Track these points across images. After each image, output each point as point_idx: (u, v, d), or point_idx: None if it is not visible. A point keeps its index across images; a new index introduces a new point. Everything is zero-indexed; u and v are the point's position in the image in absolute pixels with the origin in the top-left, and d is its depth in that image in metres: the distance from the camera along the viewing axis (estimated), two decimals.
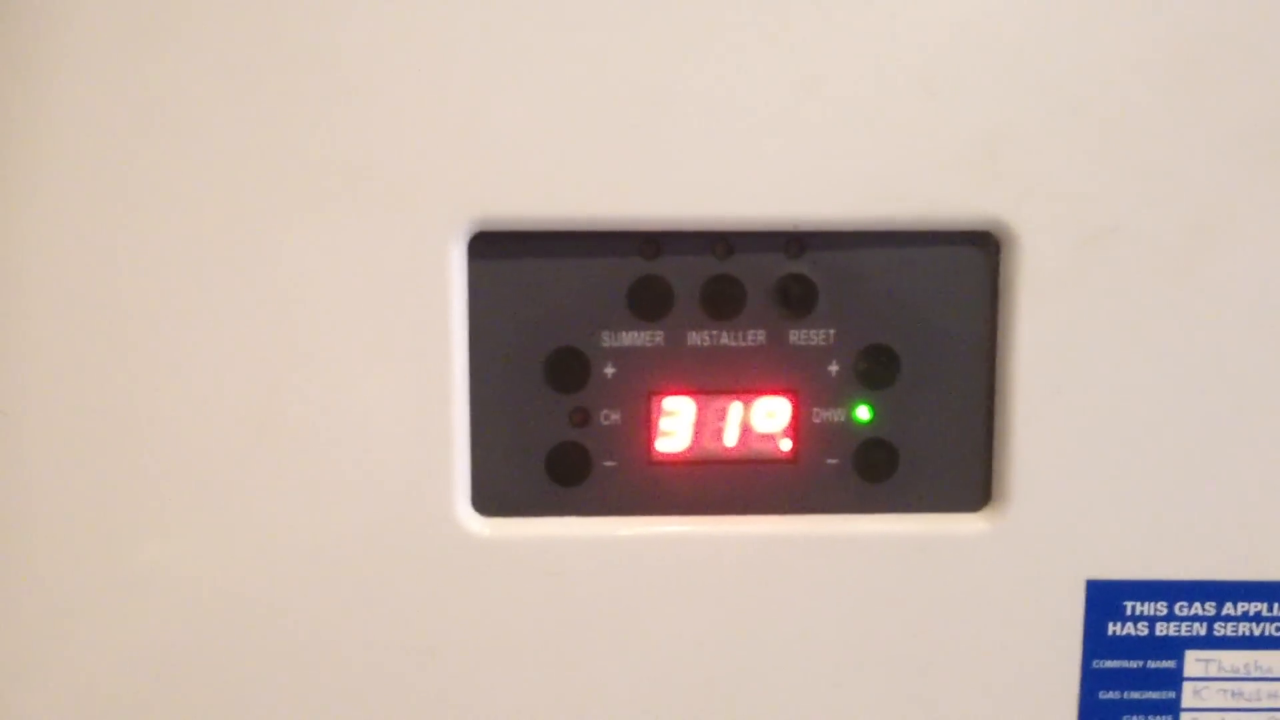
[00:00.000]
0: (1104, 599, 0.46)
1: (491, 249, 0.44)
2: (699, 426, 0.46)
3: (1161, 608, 0.47)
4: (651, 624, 0.46)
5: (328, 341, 0.44)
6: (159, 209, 0.43)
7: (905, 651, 0.47)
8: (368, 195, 0.43)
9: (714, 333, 0.46)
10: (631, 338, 0.45)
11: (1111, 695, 0.48)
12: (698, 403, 0.46)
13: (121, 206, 0.43)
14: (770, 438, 0.47)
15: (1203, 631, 0.47)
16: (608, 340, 0.46)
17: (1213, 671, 0.47)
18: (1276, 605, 0.47)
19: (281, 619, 0.44)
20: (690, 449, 0.46)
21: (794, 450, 0.47)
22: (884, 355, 0.46)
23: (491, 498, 0.46)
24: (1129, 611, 0.47)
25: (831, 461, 0.47)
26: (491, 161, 0.43)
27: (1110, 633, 0.47)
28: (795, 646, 0.47)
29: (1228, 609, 0.47)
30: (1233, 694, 0.47)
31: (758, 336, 0.46)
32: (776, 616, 0.47)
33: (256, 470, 0.44)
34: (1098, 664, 0.47)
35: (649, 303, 0.45)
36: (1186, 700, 0.48)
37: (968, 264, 0.45)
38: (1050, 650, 0.47)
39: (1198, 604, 0.47)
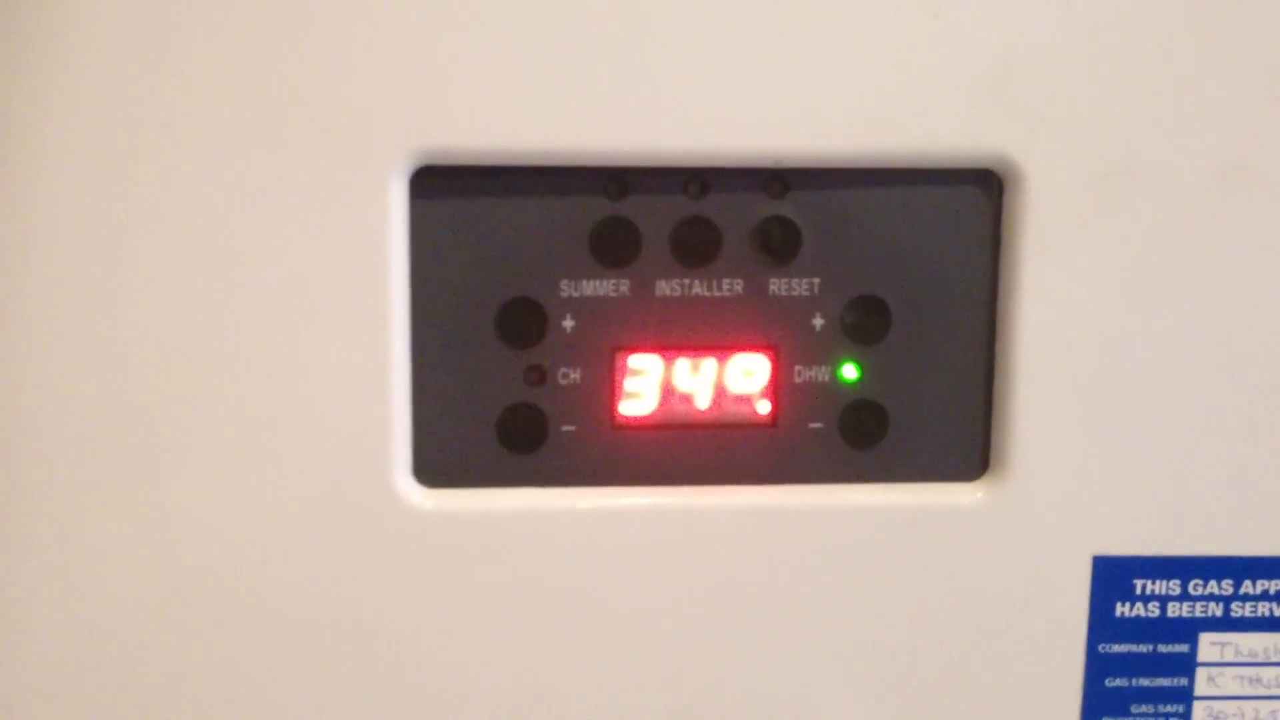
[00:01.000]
0: (1112, 577, 0.44)
1: (437, 186, 0.41)
2: (668, 387, 0.43)
3: (1174, 586, 0.44)
4: (615, 608, 0.43)
5: (251, 290, 0.40)
6: (73, 140, 0.40)
7: (894, 635, 0.44)
8: (296, 124, 0.40)
9: (685, 282, 0.42)
10: (593, 287, 0.42)
11: (1119, 682, 0.45)
12: (666, 360, 0.43)
13: (39, 142, 0.40)
14: (747, 399, 0.43)
15: (1219, 612, 0.45)
16: (567, 290, 0.42)
17: (1229, 656, 0.45)
18: None
19: (206, 598, 0.42)
20: (658, 412, 0.43)
21: (773, 413, 0.44)
22: (874, 307, 0.43)
23: (435, 466, 0.43)
24: (1139, 590, 0.44)
25: (815, 425, 0.44)
26: (437, 87, 0.40)
27: (1118, 614, 0.45)
28: (775, 630, 0.44)
29: (1246, 587, 0.45)
30: (1250, 680, 0.45)
31: (734, 286, 0.43)
32: (754, 598, 0.44)
33: (174, 433, 0.41)
34: (1104, 648, 0.45)
35: (613, 248, 0.42)
36: (1200, 687, 0.45)
37: (968, 206, 0.42)
38: (1053, 633, 0.44)
39: (1213, 582, 0.45)
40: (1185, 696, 0.45)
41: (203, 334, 0.41)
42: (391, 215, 0.40)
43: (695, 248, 0.42)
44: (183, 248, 0.40)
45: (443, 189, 0.41)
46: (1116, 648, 0.45)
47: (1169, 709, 0.45)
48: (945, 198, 0.42)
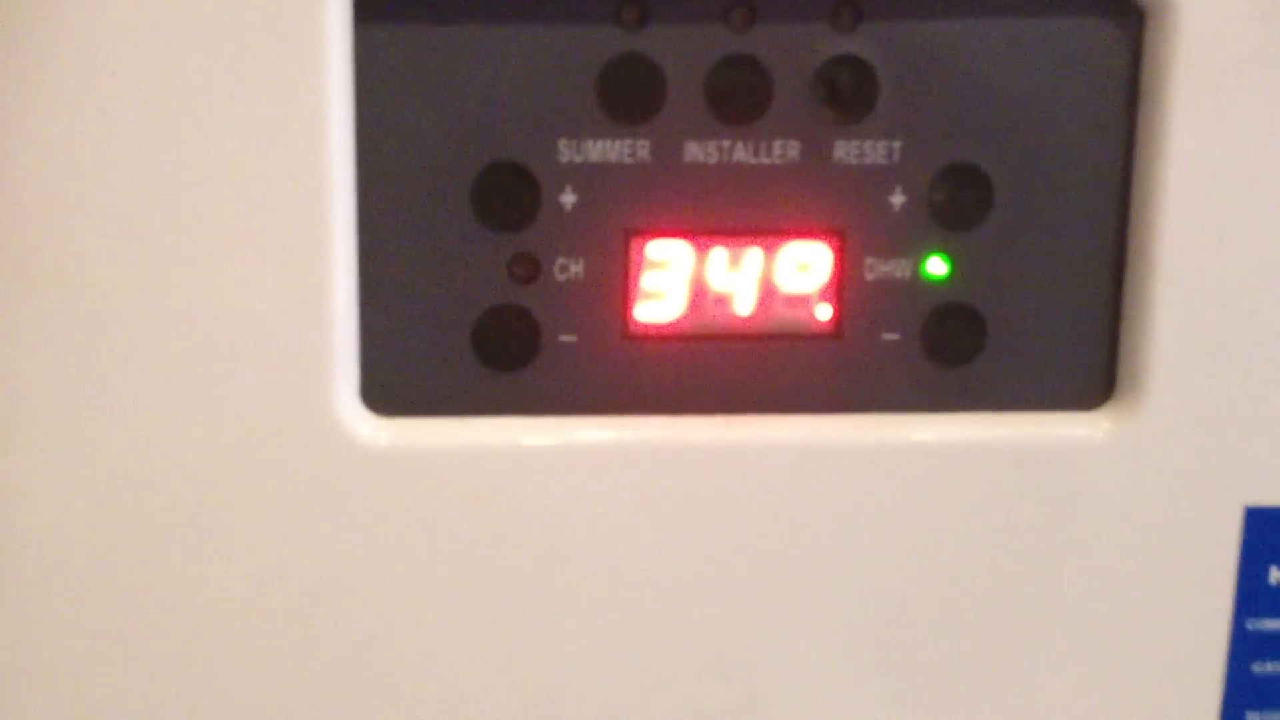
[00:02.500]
0: (1267, 533, 0.39)
1: (389, 7, 0.35)
2: (699, 284, 0.37)
3: None
4: (627, 574, 0.37)
5: (149, 144, 0.34)
6: None
7: (992, 604, 0.39)
8: None
9: (724, 143, 0.36)
10: (602, 149, 0.36)
11: (1269, 668, 0.40)
12: (697, 249, 0.37)
13: None
14: (803, 301, 0.37)
15: None
16: (567, 153, 0.36)
17: None
18: None
19: (134, 542, 0.36)
20: (686, 317, 0.37)
21: (837, 320, 0.38)
22: (970, 181, 0.37)
23: (389, 387, 0.37)
24: None
25: (891, 337, 0.38)
26: None
27: (1273, 581, 0.39)
28: (838, 599, 0.38)
29: None
30: None
31: (788, 150, 0.36)
32: (809, 560, 0.38)
33: (84, 338, 0.35)
34: (1254, 624, 0.40)
35: (629, 96, 0.36)
36: None
37: (1097, 44, 0.36)
38: (1191, 604, 0.39)
39: None
40: None
41: (102, 189, 0.34)
42: (328, 46, 0.34)
43: (738, 97, 0.36)
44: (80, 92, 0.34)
45: (398, 11, 0.35)
46: (1269, 624, 0.40)
47: None
48: (1067, 33, 0.36)
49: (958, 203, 0.37)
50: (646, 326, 0.37)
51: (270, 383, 0.35)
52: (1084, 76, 0.36)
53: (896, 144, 0.36)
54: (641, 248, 0.36)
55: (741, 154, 0.36)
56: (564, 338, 0.37)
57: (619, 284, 0.37)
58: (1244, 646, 0.39)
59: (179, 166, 0.34)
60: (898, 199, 0.37)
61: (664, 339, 0.37)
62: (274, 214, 0.34)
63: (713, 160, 0.36)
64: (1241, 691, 0.40)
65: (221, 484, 0.36)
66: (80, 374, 0.35)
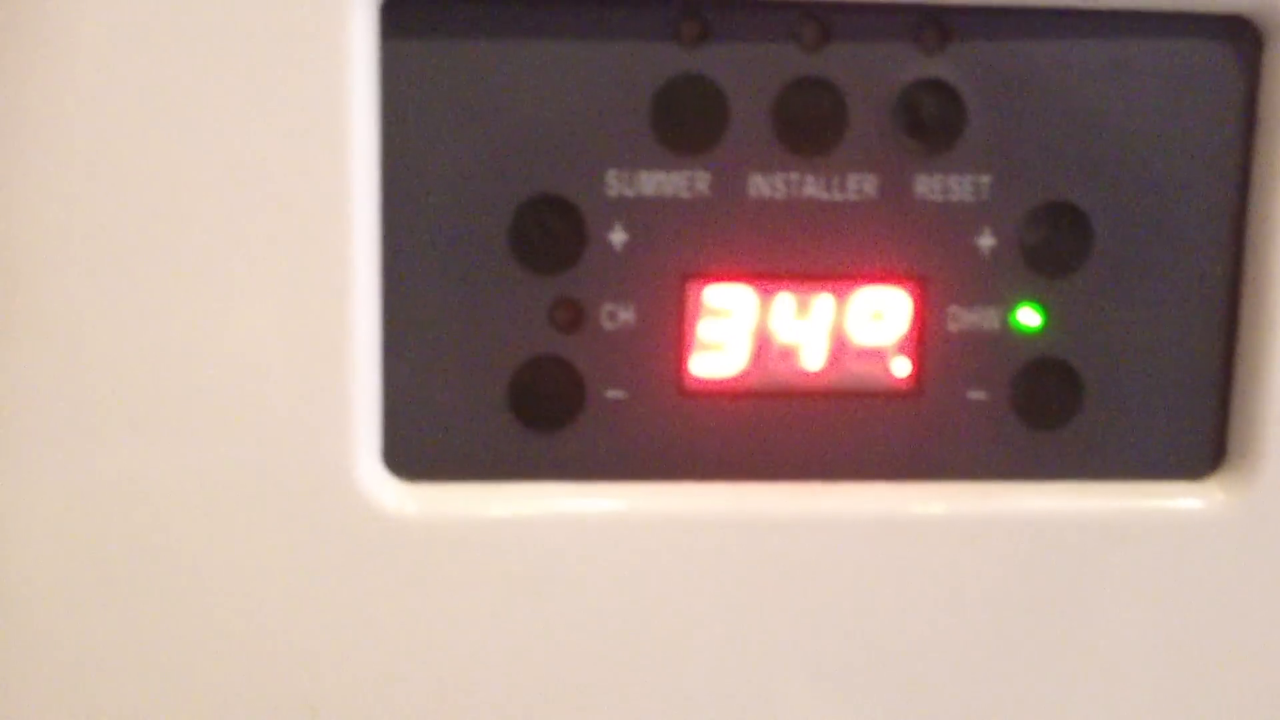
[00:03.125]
0: None
1: (421, 20, 0.32)
2: (763, 335, 0.34)
3: None
4: (685, 658, 0.34)
5: (155, 175, 0.31)
6: None
7: (1090, 692, 0.35)
8: None
9: (793, 176, 0.33)
10: (656, 183, 0.33)
11: None
12: (762, 295, 0.34)
13: None
14: (879, 355, 0.35)
15: None
16: (617, 186, 0.33)
17: None
18: None
19: (140, 619, 0.33)
20: (749, 372, 0.34)
21: (916, 376, 0.35)
22: (1067, 220, 0.34)
23: (416, 450, 0.34)
24: None
25: (976, 395, 0.35)
26: None
27: None
28: (919, 687, 0.35)
29: None
30: None
31: (864, 184, 0.34)
32: (887, 644, 0.35)
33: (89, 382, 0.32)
34: None
35: (687, 122, 0.33)
36: None
37: (1210, 68, 0.34)
38: None
39: None
40: None
41: (103, 233, 0.32)
42: (351, 65, 0.31)
43: (808, 124, 0.33)
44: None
45: (429, 25, 0.32)
46: None
47: None
48: (1177, 57, 0.34)
49: (1053, 245, 0.34)
50: (704, 381, 0.34)
51: (283, 444, 0.32)
52: (1195, 105, 0.34)
53: (985, 179, 0.34)
54: (699, 293, 0.34)
55: (812, 188, 0.33)
56: (611, 393, 0.34)
57: (673, 333, 0.34)
58: None
59: (182, 197, 0.31)
60: (986, 241, 0.34)
61: (723, 396, 0.34)
62: (287, 253, 0.31)
63: (780, 195, 0.33)
64: None
65: (231, 556, 0.33)
66: (79, 434, 0.32)
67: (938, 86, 0.33)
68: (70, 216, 0.31)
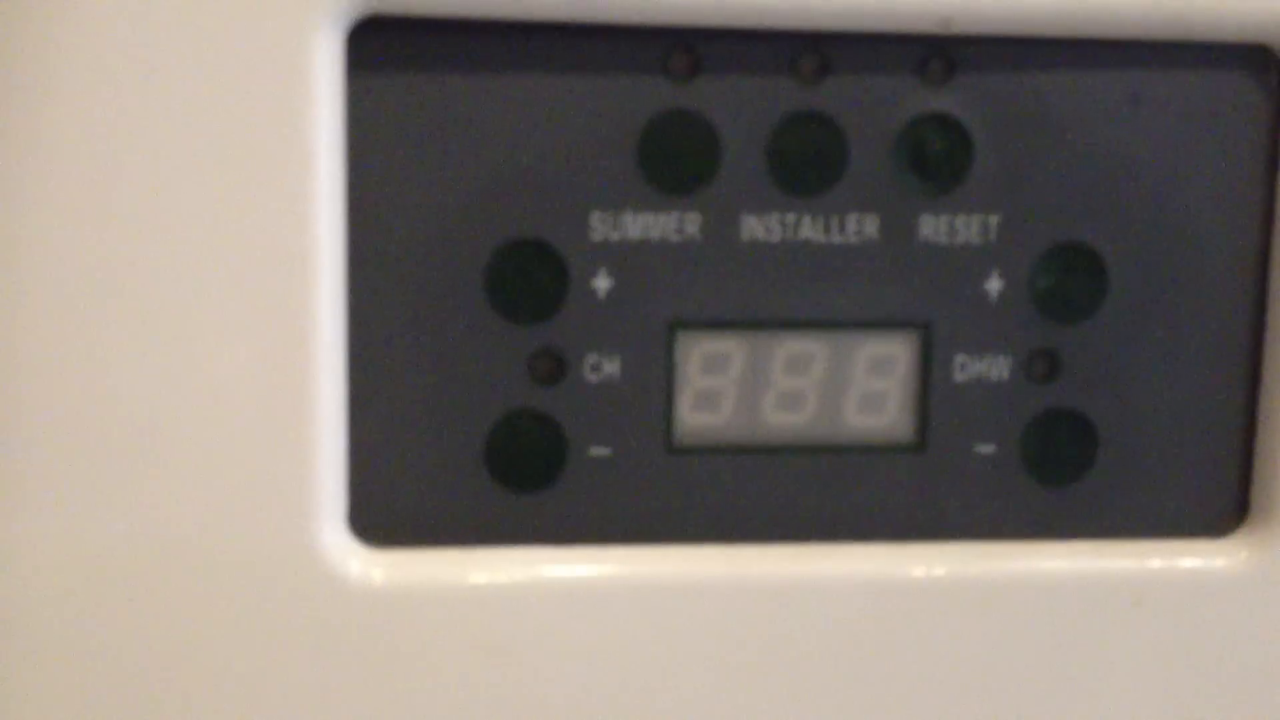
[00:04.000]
0: None
1: (389, 50, 0.31)
2: (755, 386, 0.33)
3: None
4: None
5: (103, 223, 0.29)
6: None
7: None
8: None
9: (788, 218, 0.32)
10: (643, 224, 0.32)
11: None
12: (755, 344, 0.32)
13: None
14: (881, 407, 0.33)
15: None
16: (601, 229, 0.32)
17: None
18: None
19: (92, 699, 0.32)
20: (741, 426, 0.33)
21: (920, 429, 0.33)
22: (1080, 263, 0.33)
23: (384, 514, 0.32)
24: None
25: (985, 449, 0.33)
26: None
27: None
28: None
29: None
30: None
31: (864, 226, 0.32)
32: (892, 713, 0.33)
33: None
34: None
35: (676, 160, 0.32)
36: None
37: (1231, 103, 0.32)
38: None
39: None
40: None
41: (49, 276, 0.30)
42: (314, 100, 0.29)
43: (806, 162, 0.32)
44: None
45: (399, 58, 0.31)
46: None
47: None
48: (1197, 90, 0.32)
49: (1065, 290, 0.33)
50: (694, 437, 0.32)
51: (240, 509, 0.30)
52: (1215, 140, 0.32)
53: (993, 219, 0.32)
54: (689, 343, 0.32)
55: (809, 230, 0.32)
56: (595, 450, 0.32)
57: (661, 386, 0.32)
58: None
59: (134, 241, 0.29)
60: (994, 285, 0.32)
61: (715, 452, 0.32)
62: (245, 300, 0.29)
63: (775, 237, 0.32)
64: None
65: (187, 629, 0.31)
66: (33, 499, 0.30)
67: (943, 121, 0.31)
68: (24, 272, 0.29)
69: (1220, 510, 0.33)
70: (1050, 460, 0.33)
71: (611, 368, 0.32)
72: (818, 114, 0.31)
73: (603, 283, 0.31)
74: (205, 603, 0.30)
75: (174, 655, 0.31)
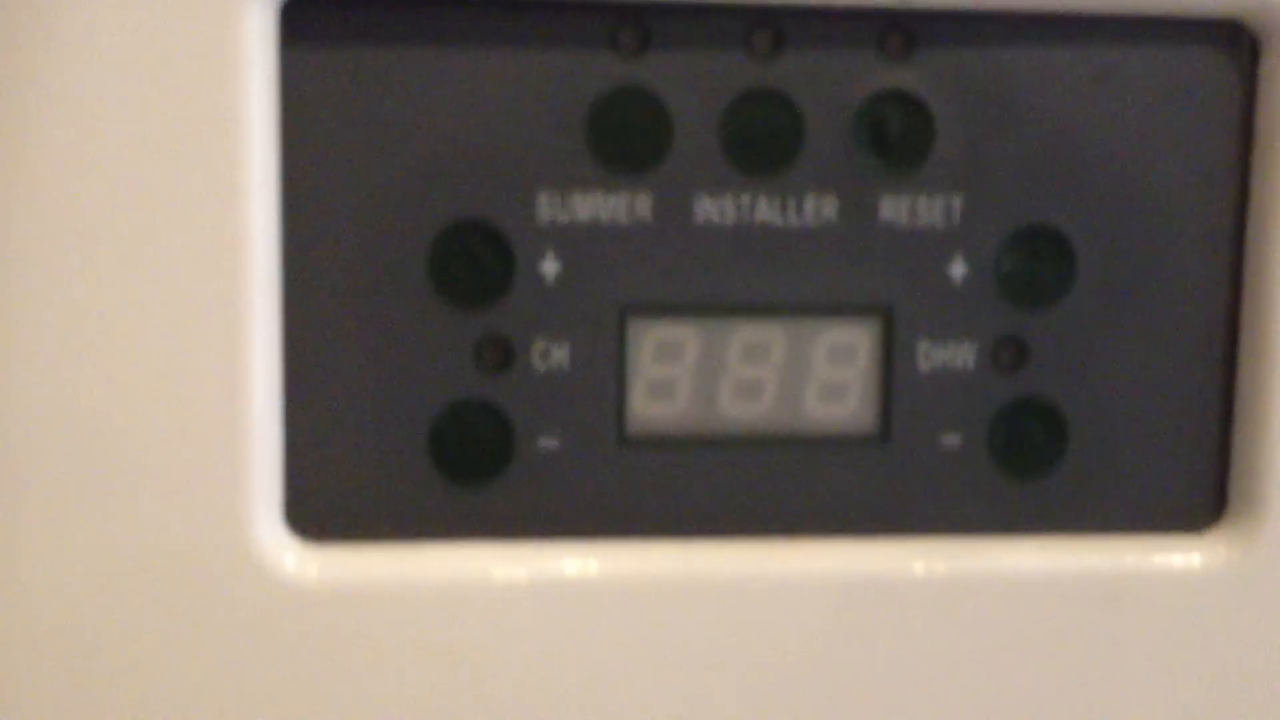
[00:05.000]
0: None
1: (324, 27, 0.30)
2: (709, 374, 0.32)
3: None
4: None
5: (29, 206, 0.28)
6: None
7: None
8: None
9: (743, 199, 0.31)
10: (593, 206, 0.31)
11: None
12: (709, 331, 0.32)
13: None
14: (841, 396, 0.32)
15: None
16: (549, 210, 0.31)
17: None
18: None
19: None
20: (694, 415, 0.32)
21: (883, 419, 0.32)
22: (1047, 245, 0.32)
23: (321, 508, 0.31)
24: None
25: (950, 441, 0.32)
26: None
27: None
28: None
29: None
30: None
31: (823, 208, 0.31)
32: (854, 715, 0.32)
33: None
34: None
35: (626, 139, 0.31)
36: None
37: (1201, 79, 0.32)
38: None
39: None
40: None
41: None
42: (245, 74, 0.28)
43: (761, 142, 0.31)
44: None
45: (334, 30, 0.30)
46: None
47: None
48: (1166, 67, 0.31)
49: (1032, 273, 0.32)
50: (647, 428, 0.31)
51: (172, 503, 0.29)
52: (1186, 118, 0.31)
53: (956, 201, 0.31)
54: (641, 329, 0.31)
55: (765, 212, 0.31)
56: (544, 442, 0.31)
57: (613, 374, 0.31)
58: None
59: (62, 225, 0.28)
60: (958, 269, 0.31)
61: (668, 443, 0.32)
62: (175, 285, 0.28)
63: (729, 220, 0.31)
64: None
65: (123, 626, 0.30)
66: None
67: (903, 99, 0.31)
68: None
69: (1197, 504, 0.33)
70: (1019, 452, 0.32)
71: (560, 355, 0.31)
72: (773, 91, 0.30)
73: (551, 266, 0.30)
74: (136, 600, 0.29)
75: (104, 653, 0.30)
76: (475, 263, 0.30)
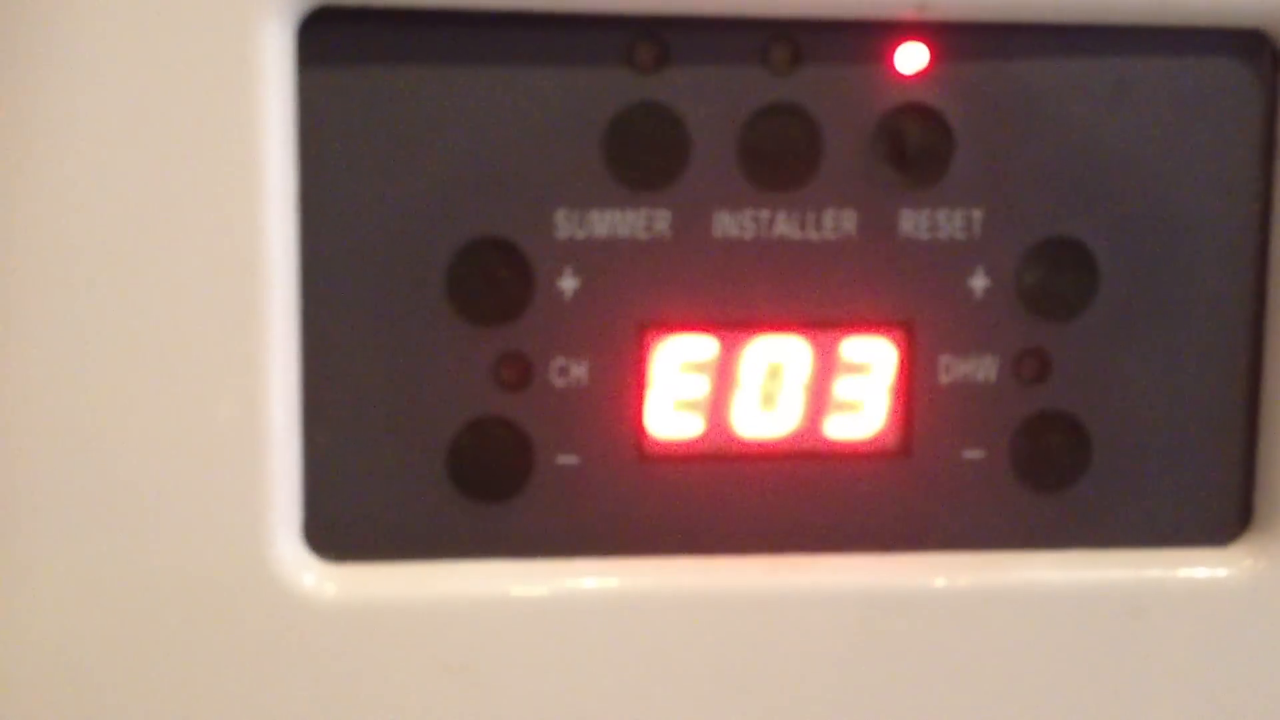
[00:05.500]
0: None
1: (342, 46, 0.30)
2: (731, 391, 0.31)
3: None
4: None
5: (45, 228, 0.28)
6: None
7: None
8: None
9: (762, 214, 0.31)
10: (611, 222, 0.31)
11: None
12: (729, 345, 0.31)
13: None
14: (862, 411, 0.32)
15: None
16: (567, 227, 0.31)
17: None
18: None
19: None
20: (714, 432, 0.32)
21: (904, 433, 0.32)
22: (1069, 257, 0.32)
23: (341, 526, 0.31)
24: None
25: (972, 455, 0.32)
26: None
27: None
28: None
29: None
30: None
31: (842, 221, 0.31)
32: None
33: None
34: None
35: (644, 155, 0.31)
36: None
37: (1224, 90, 0.31)
38: None
39: None
40: None
41: None
42: (265, 95, 0.28)
43: (779, 156, 0.31)
44: None
45: (353, 50, 0.30)
46: None
47: None
48: (1188, 77, 0.31)
49: (1054, 286, 0.32)
50: (666, 444, 0.31)
51: (192, 521, 0.29)
52: (1207, 129, 0.31)
53: (977, 213, 0.31)
54: (659, 345, 0.31)
55: (784, 227, 0.31)
56: (563, 459, 0.31)
57: (631, 390, 0.31)
58: None
59: (80, 247, 0.28)
60: (979, 282, 0.31)
61: (688, 460, 0.31)
62: (193, 305, 0.28)
63: (748, 235, 0.31)
64: None
65: (136, 647, 0.30)
66: None
67: (922, 112, 0.30)
68: None
69: (1222, 517, 0.32)
70: (1042, 465, 0.32)
71: (579, 371, 0.30)
72: (791, 105, 0.30)
73: (569, 283, 0.30)
74: (156, 619, 0.29)
75: (124, 672, 0.30)
76: (493, 280, 0.30)
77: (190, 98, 0.27)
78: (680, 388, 0.31)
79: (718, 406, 0.31)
